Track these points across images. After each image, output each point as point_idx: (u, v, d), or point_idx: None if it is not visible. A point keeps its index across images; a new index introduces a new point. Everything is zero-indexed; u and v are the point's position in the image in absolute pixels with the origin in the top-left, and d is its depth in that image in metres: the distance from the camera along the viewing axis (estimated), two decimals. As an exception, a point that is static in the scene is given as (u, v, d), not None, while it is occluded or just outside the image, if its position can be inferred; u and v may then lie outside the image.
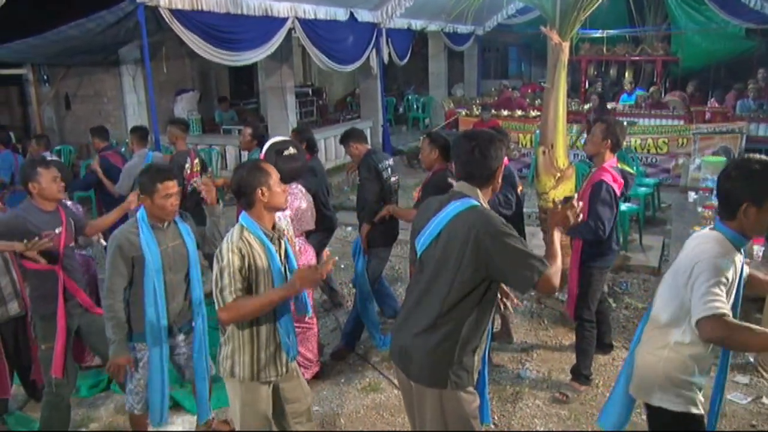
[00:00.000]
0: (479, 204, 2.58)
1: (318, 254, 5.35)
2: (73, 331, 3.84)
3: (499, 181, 2.71)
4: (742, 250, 2.47)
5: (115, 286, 3.36)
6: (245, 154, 7.31)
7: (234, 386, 3.03)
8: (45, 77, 12.36)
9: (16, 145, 8.46)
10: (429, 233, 2.64)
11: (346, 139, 5.09)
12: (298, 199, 4.28)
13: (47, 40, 8.80)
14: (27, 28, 8.56)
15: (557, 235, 2.67)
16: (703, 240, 2.48)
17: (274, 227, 3.01)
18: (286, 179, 3.93)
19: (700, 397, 2.57)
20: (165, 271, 3.43)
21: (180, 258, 3.52)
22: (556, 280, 2.49)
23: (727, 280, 2.32)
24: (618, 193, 4.20)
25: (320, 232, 5.37)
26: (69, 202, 4.57)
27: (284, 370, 3.07)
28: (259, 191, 2.88)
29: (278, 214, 3.16)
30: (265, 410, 3.06)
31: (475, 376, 2.68)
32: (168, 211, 3.42)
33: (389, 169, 4.97)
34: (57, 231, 3.72)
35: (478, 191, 2.63)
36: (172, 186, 3.40)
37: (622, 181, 4.25)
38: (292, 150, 4.15)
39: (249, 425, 3.04)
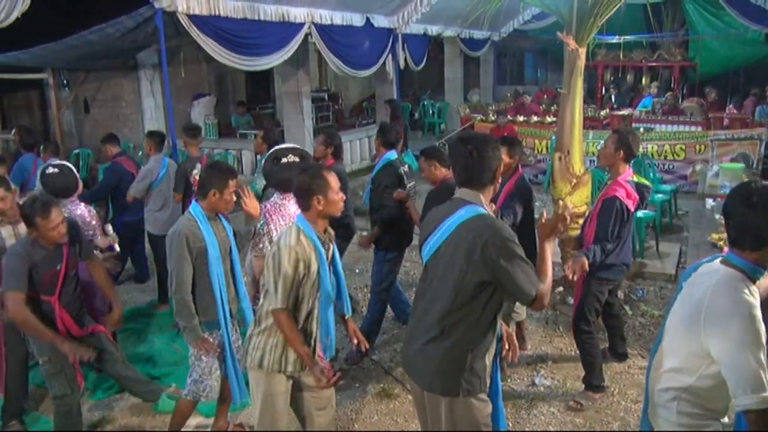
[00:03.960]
0: (486, 212, 2.60)
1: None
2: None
3: (499, 181, 2.73)
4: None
5: (185, 276, 3.48)
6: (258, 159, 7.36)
7: (258, 377, 3.13)
8: (65, 82, 12.52)
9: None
10: (435, 241, 2.66)
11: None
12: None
13: (67, 45, 8.91)
14: (48, 33, 8.67)
15: (548, 249, 2.68)
16: (722, 287, 2.16)
17: (325, 230, 3.14)
18: (285, 187, 3.97)
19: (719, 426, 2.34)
20: (222, 259, 3.62)
21: (225, 249, 3.69)
22: (548, 297, 2.56)
23: (759, 329, 2.06)
24: (632, 208, 4.12)
25: (337, 239, 5.37)
26: (82, 206, 4.60)
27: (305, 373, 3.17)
28: (316, 199, 3.01)
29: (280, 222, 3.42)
30: (283, 404, 3.16)
31: (488, 381, 2.68)
32: (231, 206, 3.64)
33: (405, 176, 4.99)
34: (58, 267, 3.69)
35: (481, 196, 2.64)
36: (235, 184, 3.62)
37: (637, 196, 4.15)
38: (292, 158, 4.07)
39: (267, 416, 3.14)
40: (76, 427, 3.86)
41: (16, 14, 7.10)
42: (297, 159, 4.09)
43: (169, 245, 3.51)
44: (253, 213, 3.87)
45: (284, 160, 4.05)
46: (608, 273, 4.24)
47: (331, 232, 3.23)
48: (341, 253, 5.62)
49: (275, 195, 4.10)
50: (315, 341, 3.18)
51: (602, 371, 4.43)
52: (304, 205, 3.06)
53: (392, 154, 5.06)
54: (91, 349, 3.72)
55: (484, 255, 2.47)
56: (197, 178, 5.90)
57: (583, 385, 4.44)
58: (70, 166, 4.57)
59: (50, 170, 4.56)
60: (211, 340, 3.61)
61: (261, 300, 3.16)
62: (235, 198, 3.64)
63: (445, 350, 2.57)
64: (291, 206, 4.00)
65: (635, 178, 4.27)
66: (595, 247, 4.06)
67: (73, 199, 4.56)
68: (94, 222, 4.60)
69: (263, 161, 4.30)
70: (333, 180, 3.07)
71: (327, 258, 3.10)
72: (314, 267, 3.01)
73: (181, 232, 3.48)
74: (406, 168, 5.07)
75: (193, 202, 3.60)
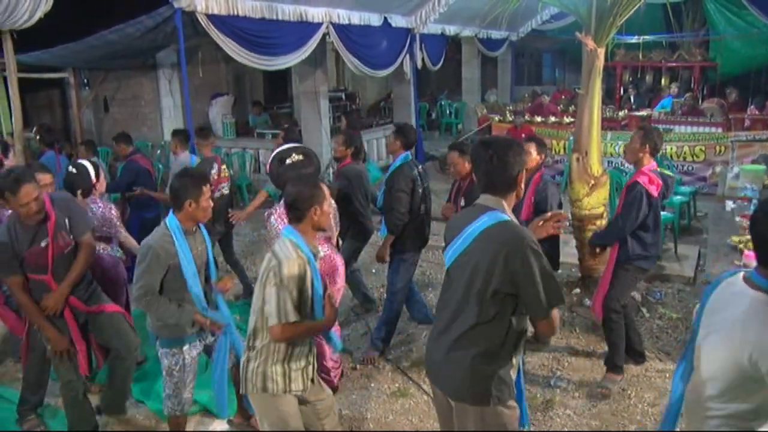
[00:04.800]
0: (508, 218, 2.54)
1: (350, 262, 5.39)
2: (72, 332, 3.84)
3: (522, 187, 2.64)
4: None
5: (150, 287, 3.34)
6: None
7: (265, 401, 3.03)
8: (85, 81, 12.66)
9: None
10: (457, 247, 2.61)
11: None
12: None
13: (88, 45, 9.02)
14: (69, 33, 8.77)
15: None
16: (761, 317, 2.02)
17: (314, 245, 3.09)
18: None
19: None
20: (198, 272, 3.49)
21: (202, 262, 3.58)
22: (557, 323, 2.52)
23: None
24: (656, 194, 4.30)
25: (354, 240, 5.39)
26: (100, 204, 4.64)
27: (310, 382, 3.13)
28: (314, 210, 2.98)
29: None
30: (296, 424, 3.07)
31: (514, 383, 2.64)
32: (209, 213, 3.50)
33: (419, 178, 4.95)
34: (43, 245, 3.62)
35: (503, 203, 2.59)
36: (209, 190, 3.49)
37: (661, 182, 4.35)
38: (296, 157, 4.07)
39: None
40: (85, 414, 3.92)
41: (39, 15, 7.20)
42: (301, 158, 4.09)
43: (139, 257, 3.37)
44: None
45: (288, 160, 4.06)
46: (642, 262, 4.44)
47: (316, 245, 3.15)
48: (357, 253, 5.66)
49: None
50: (308, 357, 3.10)
51: (624, 352, 4.57)
52: (299, 216, 2.99)
53: (407, 156, 5.02)
54: (68, 349, 3.73)
55: (507, 265, 2.43)
56: (216, 177, 5.98)
57: (605, 368, 4.60)
58: (87, 165, 4.59)
59: (70, 169, 4.63)
60: (190, 355, 3.53)
61: (252, 322, 3.02)
62: (212, 203, 3.49)
63: (472, 359, 2.52)
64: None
65: (659, 169, 4.49)
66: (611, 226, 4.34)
67: (92, 198, 4.60)
68: (114, 219, 4.65)
69: (268, 163, 4.30)
70: (327, 191, 3.07)
71: (317, 271, 3.03)
72: (308, 282, 2.95)
73: (152, 247, 3.32)
74: (421, 170, 5.05)
75: (170, 214, 3.44)
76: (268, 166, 4.20)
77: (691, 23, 15.21)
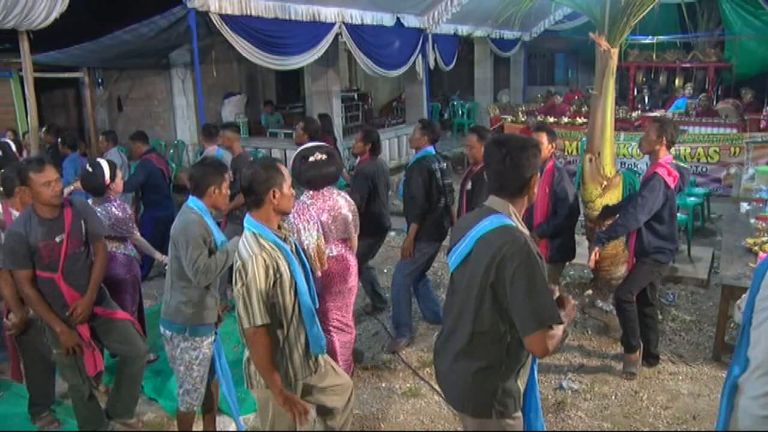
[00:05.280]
0: (512, 223, 2.38)
1: (364, 261, 5.41)
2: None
3: (535, 191, 2.49)
4: None
5: (205, 259, 3.33)
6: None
7: (266, 396, 2.97)
8: (99, 80, 12.77)
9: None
10: (459, 252, 2.50)
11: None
12: (338, 203, 4.20)
13: (103, 44, 9.10)
14: (84, 33, 8.84)
15: (567, 320, 2.40)
16: None
17: (279, 227, 2.97)
18: (313, 185, 4.06)
19: None
20: None
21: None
22: (551, 346, 2.26)
23: None
24: (672, 185, 4.35)
25: (370, 236, 5.38)
26: (116, 204, 4.67)
27: (314, 367, 3.08)
28: (272, 192, 2.83)
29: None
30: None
31: (522, 394, 2.55)
32: (227, 201, 3.59)
33: (439, 171, 5.06)
34: (58, 240, 3.63)
35: (510, 207, 2.43)
36: (228, 178, 3.56)
37: (678, 174, 4.41)
38: (319, 156, 4.09)
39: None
40: (93, 415, 3.94)
41: (55, 15, 7.27)
42: (324, 157, 4.10)
43: (184, 238, 3.33)
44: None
45: (311, 158, 4.06)
46: (660, 255, 4.49)
47: (285, 227, 3.06)
48: (374, 253, 5.66)
49: (304, 195, 4.13)
50: (306, 342, 3.01)
51: (638, 331, 4.64)
52: (257, 201, 2.84)
53: (431, 150, 5.15)
54: (78, 345, 3.72)
55: (499, 270, 2.29)
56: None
57: (622, 349, 4.78)
58: (103, 164, 4.61)
59: (87, 167, 4.67)
60: (207, 346, 3.53)
61: (239, 321, 2.91)
62: (229, 192, 3.55)
63: (474, 371, 2.44)
64: (313, 209, 4.06)
65: (675, 162, 4.53)
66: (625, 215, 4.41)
67: (107, 197, 4.62)
68: (126, 219, 4.66)
69: (292, 160, 4.33)
70: (287, 174, 2.93)
71: (293, 253, 2.92)
72: (284, 269, 2.81)
73: (195, 222, 3.35)
74: (443, 165, 5.14)
75: (191, 198, 3.46)
76: (292, 162, 4.24)
77: (706, 23, 15.11)
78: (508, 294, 2.29)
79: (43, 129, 8.57)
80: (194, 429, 3.79)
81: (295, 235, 3.93)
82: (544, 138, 4.83)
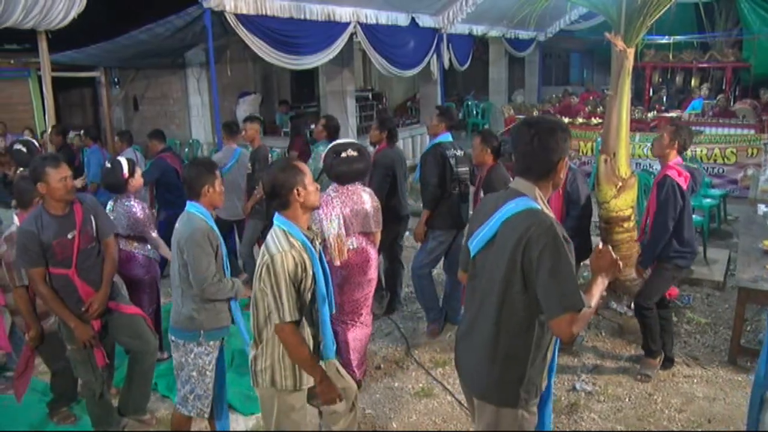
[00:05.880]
0: (539, 206, 2.33)
1: (393, 249, 5.68)
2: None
3: (561, 176, 2.42)
4: None
5: (213, 269, 3.31)
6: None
7: (271, 395, 2.95)
8: (115, 80, 12.88)
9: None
10: (483, 236, 2.43)
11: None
12: (362, 197, 4.31)
13: (119, 44, 9.17)
14: (100, 33, 8.92)
15: (601, 285, 2.38)
16: None
17: (309, 228, 2.97)
18: (343, 180, 4.22)
19: None
20: None
21: None
22: (577, 328, 2.22)
23: None
24: (685, 186, 4.36)
25: (390, 229, 5.37)
26: (134, 203, 4.69)
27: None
28: (296, 191, 2.83)
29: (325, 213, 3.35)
30: (302, 419, 3.01)
31: (543, 386, 2.53)
32: (223, 197, 3.54)
33: (455, 158, 5.12)
34: (69, 236, 3.66)
35: (536, 189, 2.38)
36: (220, 175, 3.52)
37: (688, 174, 4.43)
38: (351, 152, 4.25)
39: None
40: (105, 413, 3.96)
41: (73, 15, 7.35)
42: (355, 153, 4.26)
43: (191, 245, 3.28)
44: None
45: (343, 154, 4.21)
46: (680, 260, 4.48)
47: (314, 229, 3.07)
48: (397, 240, 5.77)
49: (330, 188, 4.29)
50: (317, 345, 3.00)
51: (658, 337, 4.62)
52: (283, 203, 2.84)
53: (447, 136, 5.23)
54: (93, 337, 3.75)
55: (525, 252, 2.24)
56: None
57: (643, 352, 4.74)
58: (122, 162, 4.64)
59: (106, 164, 4.72)
60: (218, 348, 3.51)
61: (253, 317, 2.91)
62: (222, 188, 3.51)
63: (502, 358, 2.39)
64: (337, 201, 4.19)
65: (684, 163, 4.56)
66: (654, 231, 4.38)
67: (127, 194, 4.66)
68: (142, 219, 4.67)
69: (323, 156, 4.45)
70: (306, 169, 2.93)
71: (317, 256, 2.91)
72: (310, 270, 2.81)
73: (202, 230, 3.30)
74: (459, 153, 5.20)
75: (189, 202, 3.42)
76: (323, 158, 4.38)
77: (724, 23, 14.98)
78: (535, 275, 2.25)
79: (49, 130, 8.63)
80: (195, 429, 3.77)
81: (318, 225, 4.05)
82: None
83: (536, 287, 2.25)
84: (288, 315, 2.74)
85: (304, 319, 2.90)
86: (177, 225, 3.44)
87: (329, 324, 2.99)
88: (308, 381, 2.95)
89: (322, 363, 2.99)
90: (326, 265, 3.00)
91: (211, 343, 3.47)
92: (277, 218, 2.88)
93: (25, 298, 3.86)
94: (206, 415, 3.56)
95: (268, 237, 2.86)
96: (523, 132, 2.37)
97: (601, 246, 2.43)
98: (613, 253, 2.39)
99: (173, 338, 3.49)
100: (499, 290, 2.35)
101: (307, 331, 2.93)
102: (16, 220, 4.07)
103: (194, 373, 3.45)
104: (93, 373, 3.86)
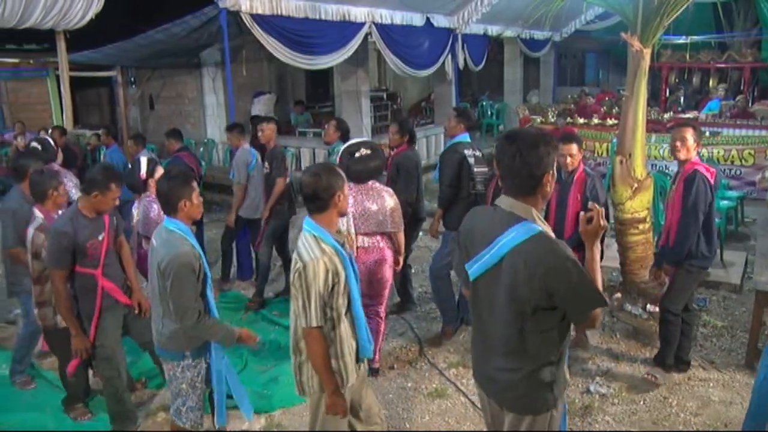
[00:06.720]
0: (541, 229, 2.31)
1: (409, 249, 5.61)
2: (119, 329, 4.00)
3: (549, 189, 2.38)
4: None
5: (200, 306, 3.22)
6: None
7: (317, 400, 3.00)
8: (132, 79, 12.99)
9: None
10: (485, 261, 2.40)
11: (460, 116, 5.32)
12: (382, 197, 4.35)
13: (136, 44, 9.24)
14: (117, 33, 9.00)
15: (597, 255, 2.41)
16: None
17: (338, 231, 3.03)
18: (359, 179, 4.26)
19: None
20: None
21: None
22: (599, 320, 2.36)
23: None
24: (711, 181, 4.31)
25: (408, 227, 5.39)
26: (155, 205, 4.70)
27: (358, 372, 3.08)
28: (337, 196, 2.87)
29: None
30: (343, 421, 3.05)
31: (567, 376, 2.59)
32: (201, 209, 3.41)
33: (474, 158, 5.14)
34: (100, 238, 3.78)
35: (533, 211, 2.35)
36: (197, 186, 3.41)
37: (714, 170, 4.40)
38: (364, 151, 4.30)
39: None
40: (125, 410, 4.00)
41: (90, 15, 7.43)
42: (369, 152, 4.30)
43: (174, 273, 3.13)
44: None
45: (357, 154, 4.27)
46: (705, 261, 4.43)
47: (343, 232, 3.15)
48: (413, 239, 5.78)
49: (345, 186, 4.28)
50: (356, 345, 3.03)
51: (674, 351, 4.57)
52: (322, 206, 2.85)
53: (465, 137, 5.27)
54: (86, 350, 3.81)
55: (547, 282, 2.26)
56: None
57: (653, 357, 4.72)
58: (142, 161, 4.70)
59: (129, 165, 4.78)
60: (194, 370, 3.39)
61: (293, 326, 2.96)
62: (201, 200, 3.38)
63: (531, 371, 2.41)
64: (351, 199, 4.20)
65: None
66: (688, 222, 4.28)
67: (148, 194, 4.71)
68: (155, 219, 4.70)
69: (338, 156, 4.50)
70: (343, 174, 2.97)
71: (348, 259, 2.93)
72: (342, 274, 2.83)
73: (186, 255, 3.16)
74: (477, 153, 5.21)
75: (167, 219, 3.29)
76: (339, 158, 4.44)
77: (743, 23, 14.82)
78: (562, 299, 2.29)
79: (50, 131, 8.70)
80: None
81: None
82: (574, 149, 4.76)
83: (560, 303, 2.31)
84: (314, 320, 2.78)
85: (347, 321, 2.94)
86: (155, 242, 3.30)
87: (364, 324, 3.04)
88: (351, 379, 2.99)
89: (357, 365, 3.05)
90: (356, 267, 3.03)
91: (198, 359, 3.41)
92: (308, 223, 2.89)
93: (69, 308, 3.77)
94: (201, 427, 3.52)
95: (299, 243, 2.87)
96: (505, 148, 2.33)
97: (583, 214, 2.43)
98: (598, 216, 2.38)
99: (159, 355, 3.48)
100: (518, 315, 2.35)
101: (349, 333, 2.97)
102: (38, 213, 4.09)
103: (184, 386, 3.40)
104: (116, 369, 3.92)
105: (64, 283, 3.71)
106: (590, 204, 2.46)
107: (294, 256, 2.88)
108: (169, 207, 3.26)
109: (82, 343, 3.81)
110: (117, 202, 3.85)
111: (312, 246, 2.81)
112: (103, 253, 3.80)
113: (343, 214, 3.03)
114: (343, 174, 2.98)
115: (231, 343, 3.40)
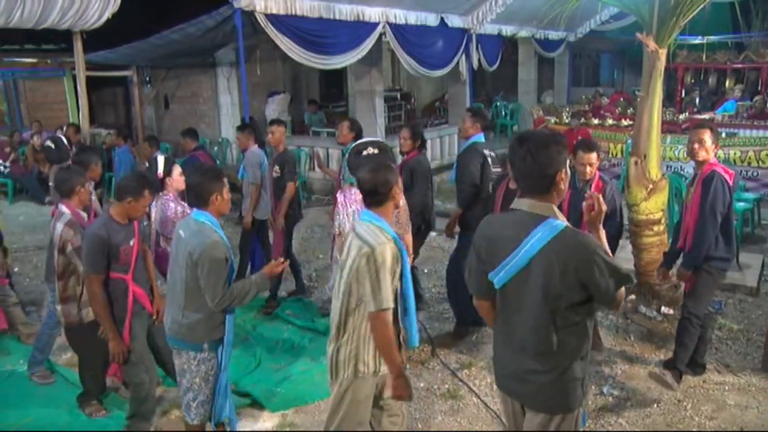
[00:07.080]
0: (565, 225, 2.36)
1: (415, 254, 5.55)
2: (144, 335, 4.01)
3: (563, 187, 2.43)
4: None
5: (228, 289, 3.31)
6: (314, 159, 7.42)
7: (347, 386, 3.04)
8: (147, 79, 13.08)
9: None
10: (513, 266, 2.41)
11: (475, 116, 5.30)
12: None
13: (151, 44, 9.31)
14: (133, 33, 9.07)
15: (604, 237, 2.52)
16: None
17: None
18: None
19: None
20: None
21: None
22: (623, 297, 2.43)
23: None
24: (730, 183, 4.25)
25: (418, 232, 5.42)
26: (171, 204, 4.71)
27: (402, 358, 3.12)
28: (394, 190, 3.03)
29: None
30: (367, 408, 3.12)
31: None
32: (229, 205, 3.48)
33: (491, 159, 5.19)
34: (131, 243, 3.82)
35: (553, 208, 2.40)
36: (227, 182, 3.48)
37: (733, 172, 4.35)
38: (372, 150, 4.33)
39: (352, 423, 3.08)
40: (146, 411, 4.00)
41: (107, 15, 7.50)
42: (377, 151, 4.32)
43: (210, 260, 3.21)
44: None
45: (365, 152, 4.30)
46: (724, 263, 4.40)
47: (344, 230, 3.26)
48: (421, 244, 5.75)
49: (353, 186, 4.38)
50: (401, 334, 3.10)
51: (688, 358, 4.49)
52: (380, 200, 3.01)
53: (481, 137, 5.26)
54: (123, 353, 3.81)
55: (578, 275, 2.32)
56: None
57: (664, 359, 4.70)
58: (159, 160, 4.73)
59: (146, 164, 4.80)
60: (206, 363, 3.42)
61: (339, 308, 3.03)
62: (230, 196, 3.46)
63: (564, 369, 2.45)
64: (357, 197, 4.23)
65: None
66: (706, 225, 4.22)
67: (165, 193, 4.74)
68: (171, 217, 4.72)
69: (347, 154, 4.54)
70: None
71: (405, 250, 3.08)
72: (400, 262, 2.98)
73: (219, 244, 3.27)
74: (492, 153, 5.25)
75: (197, 211, 3.35)
76: (348, 157, 4.51)
77: (761, 23, 14.66)
78: (594, 288, 2.35)
79: (64, 128, 8.80)
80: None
81: (337, 218, 4.31)
82: (594, 158, 4.66)
83: (596, 294, 2.37)
84: (386, 302, 2.86)
85: (399, 310, 3.03)
86: (183, 233, 3.36)
87: (414, 313, 3.13)
88: (384, 368, 3.04)
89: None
90: (407, 259, 3.13)
91: (214, 351, 3.45)
92: (368, 214, 3.02)
93: (107, 318, 3.78)
94: (207, 421, 3.55)
95: (362, 231, 2.95)
96: (517, 149, 2.41)
97: (584, 204, 2.53)
98: (597, 202, 2.49)
99: (174, 347, 3.49)
100: (550, 313, 2.39)
101: (399, 321, 3.06)
102: (64, 208, 4.10)
103: (197, 380, 3.43)
104: (147, 374, 3.94)
105: (101, 287, 3.73)
106: (587, 193, 2.50)
107: (356, 242, 2.96)
108: (201, 200, 3.33)
109: (120, 347, 3.80)
110: (147, 209, 3.92)
111: (377, 233, 2.93)
112: (133, 258, 3.84)
113: (397, 206, 3.16)
114: (396, 169, 3.11)
115: (265, 284, 3.52)
